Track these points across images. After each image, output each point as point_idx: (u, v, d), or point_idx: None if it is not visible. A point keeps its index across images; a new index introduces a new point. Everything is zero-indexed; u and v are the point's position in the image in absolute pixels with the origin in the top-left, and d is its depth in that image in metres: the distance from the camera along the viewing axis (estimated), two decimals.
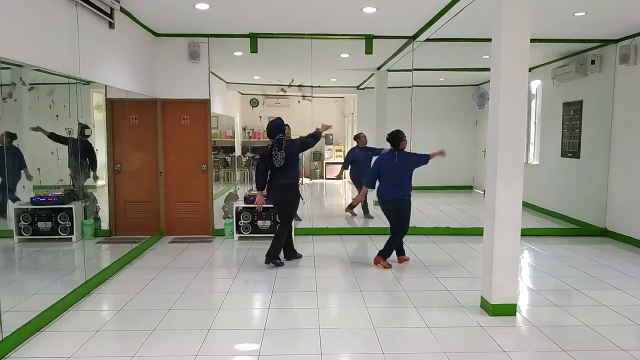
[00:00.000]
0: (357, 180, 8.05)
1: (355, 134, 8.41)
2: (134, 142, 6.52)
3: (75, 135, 4.99)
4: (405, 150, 5.44)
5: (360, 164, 7.78)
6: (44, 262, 5.38)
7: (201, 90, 6.78)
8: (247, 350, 3.41)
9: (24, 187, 5.06)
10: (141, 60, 6.22)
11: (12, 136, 4.40)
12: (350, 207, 8.22)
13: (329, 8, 5.38)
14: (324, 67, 7.77)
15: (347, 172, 8.37)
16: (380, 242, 6.55)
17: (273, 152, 5.28)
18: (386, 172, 5.34)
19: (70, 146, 5.10)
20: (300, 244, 6.47)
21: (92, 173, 5.85)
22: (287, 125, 7.77)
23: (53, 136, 4.98)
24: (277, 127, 5.40)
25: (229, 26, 6.27)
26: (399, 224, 5.38)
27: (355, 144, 8.14)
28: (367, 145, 7.95)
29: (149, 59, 6.51)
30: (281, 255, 5.56)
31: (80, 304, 4.24)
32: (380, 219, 7.82)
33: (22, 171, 4.77)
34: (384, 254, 5.41)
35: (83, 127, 5.38)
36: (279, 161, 5.25)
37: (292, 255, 5.72)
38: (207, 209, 7.02)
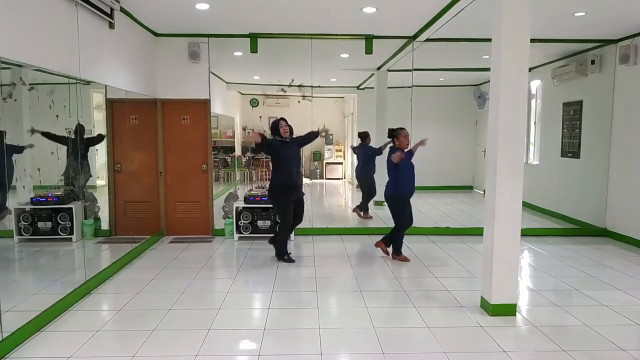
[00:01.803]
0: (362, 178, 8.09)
1: (363, 131, 8.13)
2: (134, 142, 6.52)
3: (73, 135, 5.00)
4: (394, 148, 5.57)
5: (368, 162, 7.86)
6: (44, 262, 5.38)
7: (201, 90, 6.78)
8: (247, 350, 3.41)
9: (24, 187, 5.06)
10: (141, 60, 6.22)
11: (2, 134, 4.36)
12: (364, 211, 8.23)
13: (329, 8, 5.38)
14: (324, 67, 7.77)
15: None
16: None
17: None
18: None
19: (70, 146, 5.09)
20: (300, 244, 6.48)
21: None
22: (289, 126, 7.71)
23: (50, 135, 4.93)
24: (272, 126, 5.57)
25: (229, 26, 6.27)
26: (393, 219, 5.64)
27: (359, 141, 8.06)
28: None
29: (149, 59, 6.51)
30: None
31: (80, 304, 4.25)
32: (379, 219, 7.84)
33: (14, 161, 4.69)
34: (394, 248, 5.72)
35: (82, 128, 5.38)
36: None
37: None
38: (207, 209, 7.02)
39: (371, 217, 8.05)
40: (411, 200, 5.64)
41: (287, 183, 5.46)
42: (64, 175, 5.39)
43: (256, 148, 5.68)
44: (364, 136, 7.97)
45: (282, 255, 5.63)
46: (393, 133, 5.53)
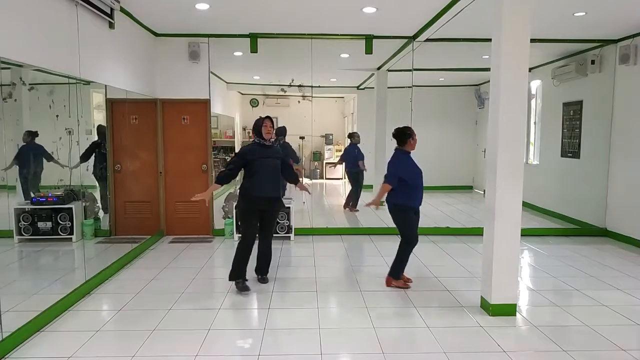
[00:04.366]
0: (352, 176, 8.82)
1: (352, 132, 9.03)
2: (134, 142, 6.52)
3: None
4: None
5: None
6: (44, 262, 5.38)
7: (201, 90, 6.78)
8: (247, 350, 3.40)
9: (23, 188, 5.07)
10: (141, 60, 6.21)
11: (34, 134, 4.67)
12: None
13: (329, 8, 5.38)
14: (324, 67, 7.77)
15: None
16: (380, 241, 6.58)
17: None
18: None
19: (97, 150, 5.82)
20: (300, 244, 6.48)
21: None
22: (282, 127, 7.83)
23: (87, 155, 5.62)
24: (254, 127, 4.65)
25: (229, 26, 6.27)
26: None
27: (349, 142, 8.87)
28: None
29: (149, 59, 6.51)
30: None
31: (80, 304, 4.24)
32: (378, 217, 7.84)
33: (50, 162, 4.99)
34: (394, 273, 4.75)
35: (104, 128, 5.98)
36: None
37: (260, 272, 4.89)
38: (207, 209, 7.01)
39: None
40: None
41: (258, 195, 4.51)
42: (93, 173, 5.94)
43: (223, 182, 4.61)
44: (355, 135, 8.84)
45: (236, 276, 4.55)
46: (407, 133, 4.60)
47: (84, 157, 5.54)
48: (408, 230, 4.63)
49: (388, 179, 4.53)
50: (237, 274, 4.57)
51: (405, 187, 4.51)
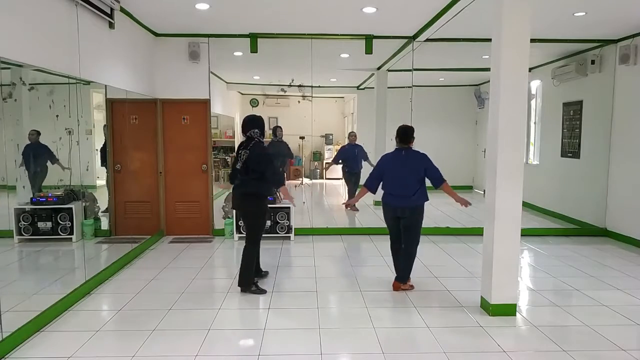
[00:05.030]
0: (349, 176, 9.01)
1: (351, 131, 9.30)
2: (134, 142, 6.52)
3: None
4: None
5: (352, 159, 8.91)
6: (44, 262, 5.38)
7: (201, 90, 6.78)
8: (247, 350, 3.40)
9: (24, 187, 5.07)
10: (141, 60, 6.22)
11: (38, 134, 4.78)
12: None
13: (329, 8, 5.38)
14: (324, 67, 7.77)
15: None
16: (380, 241, 6.57)
17: (240, 151, 4.55)
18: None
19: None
20: (300, 244, 6.48)
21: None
22: (279, 127, 7.91)
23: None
24: (249, 121, 4.58)
25: (229, 26, 6.27)
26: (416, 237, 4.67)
27: (347, 141, 9.11)
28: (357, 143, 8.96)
29: (149, 59, 6.51)
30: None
31: (80, 304, 4.24)
32: (378, 217, 7.84)
33: (55, 165, 5.06)
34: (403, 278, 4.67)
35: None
36: (240, 163, 4.49)
37: (257, 273, 4.84)
38: (207, 209, 7.02)
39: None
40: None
41: (269, 194, 4.68)
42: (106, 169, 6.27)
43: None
44: (350, 135, 9.07)
45: (250, 282, 4.55)
46: (412, 131, 4.59)
47: (104, 158, 6.06)
48: (420, 229, 4.60)
49: (443, 177, 4.53)
50: (252, 279, 4.57)
51: (424, 186, 4.55)
